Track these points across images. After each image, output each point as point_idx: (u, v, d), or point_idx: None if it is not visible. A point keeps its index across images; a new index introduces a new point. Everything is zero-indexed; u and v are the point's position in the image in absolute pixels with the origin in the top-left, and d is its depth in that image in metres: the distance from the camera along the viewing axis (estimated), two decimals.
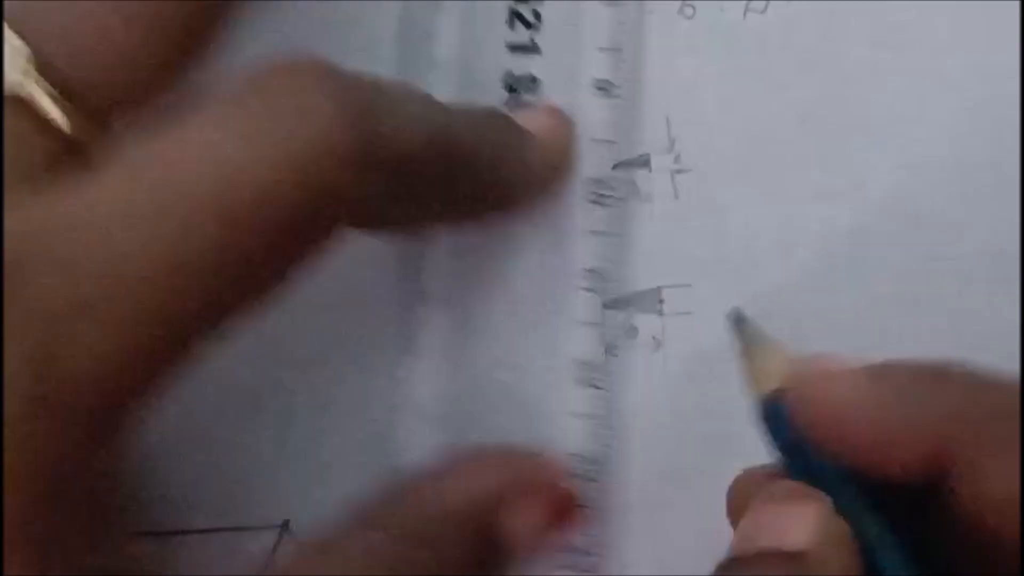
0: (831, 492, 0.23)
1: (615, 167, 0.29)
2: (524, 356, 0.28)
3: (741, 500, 0.25)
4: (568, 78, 0.28)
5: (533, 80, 0.28)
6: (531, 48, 0.28)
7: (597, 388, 0.28)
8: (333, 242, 0.23)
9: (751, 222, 0.29)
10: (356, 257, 0.27)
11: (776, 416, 0.24)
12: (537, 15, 0.28)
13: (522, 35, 0.28)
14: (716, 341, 0.28)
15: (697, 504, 0.27)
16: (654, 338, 0.29)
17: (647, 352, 0.29)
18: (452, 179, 0.24)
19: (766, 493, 0.24)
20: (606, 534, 0.28)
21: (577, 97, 0.28)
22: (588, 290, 0.28)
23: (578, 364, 0.28)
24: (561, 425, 0.28)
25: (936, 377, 0.23)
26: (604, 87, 0.28)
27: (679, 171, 0.29)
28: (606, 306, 0.29)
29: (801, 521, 0.23)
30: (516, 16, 0.28)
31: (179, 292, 0.21)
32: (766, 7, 0.29)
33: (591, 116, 0.28)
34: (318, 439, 0.29)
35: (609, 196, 0.28)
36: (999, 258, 0.29)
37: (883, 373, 0.23)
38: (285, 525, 0.28)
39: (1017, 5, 0.28)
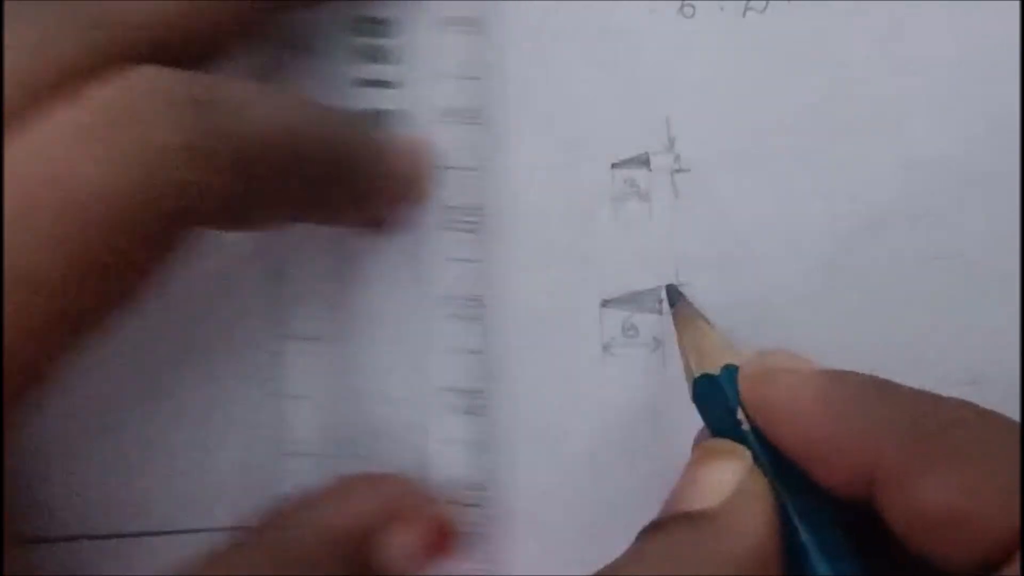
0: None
1: (615, 166, 0.29)
2: (399, 388, 0.28)
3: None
4: (425, 109, 0.28)
5: (388, 114, 0.28)
6: (385, 83, 0.28)
7: (476, 415, 0.28)
8: (187, 243, 0.23)
9: (751, 222, 0.29)
10: (221, 288, 0.28)
11: (708, 396, 0.25)
12: (389, 48, 0.28)
13: (375, 71, 0.28)
14: None
15: None
16: (654, 338, 0.29)
17: (647, 352, 0.29)
18: (304, 173, 0.24)
19: (693, 454, 0.25)
20: (497, 559, 0.28)
21: (435, 127, 0.28)
22: (457, 317, 0.28)
23: (455, 392, 0.28)
24: (441, 453, 0.28)
25: (880, 391, 0.23)
26: (464, 116, 0.28)
27: (679, 171, 0.29)
28: (605, 305, 0.29)
29: (716, 479, 0.23)
30: (368, 51, 0.28)
31: (31, 300, 0.21)
32: (766, 7, 0.29)
33: (454, 145, 0.28)
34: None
35: (473, 223, 0.28)
36: (999, 258, 0.29)
37: (836, 379, 0.24)
38: None
39: (1017, 5, 0.29)
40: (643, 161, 0.29)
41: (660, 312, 0.29)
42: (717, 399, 0.25)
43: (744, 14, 0.29)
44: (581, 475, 0.29)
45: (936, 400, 0.23)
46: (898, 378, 0.24)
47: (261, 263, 0.28)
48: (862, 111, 0.29)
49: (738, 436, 0.24)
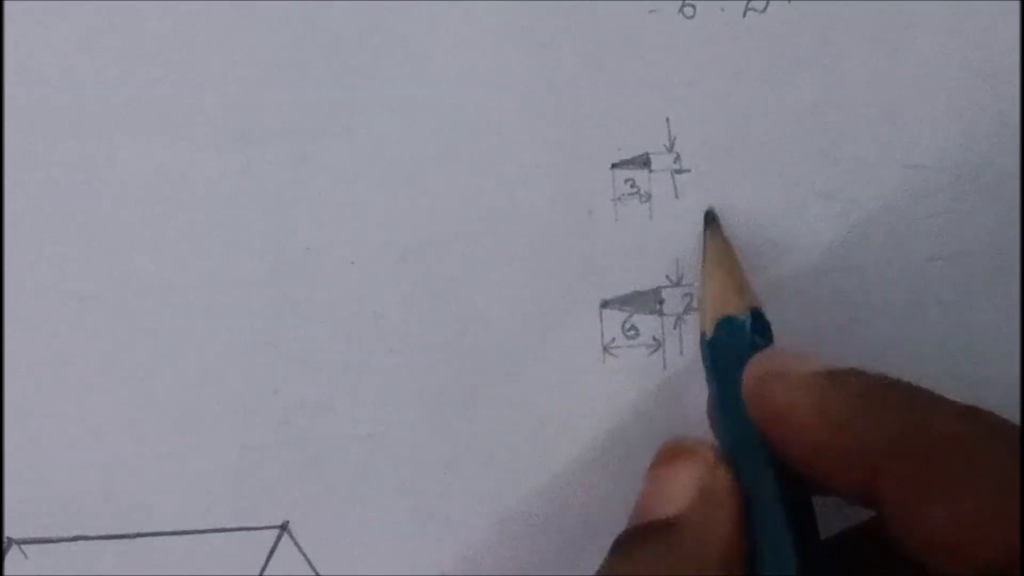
0: (743, 441, 0.24)
1: (615, 166, 0.29)
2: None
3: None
4: None
5: None
6: None
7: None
8: None
9: (751, 222, 0.29)
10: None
11: (711, 348, 0.25)
12: None
13: None
14: None
15: None
16: (654, 338, 0.29)
17: (647, 352, 0.29)
18: None
19: (656, 456, 0.25)
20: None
21: None
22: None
23: None
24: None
25: (880, 397, 0.22)
26: None
27: (679, 171, 0.29)
28: (605, 305, 0.29)
29: (680, 483, 0.23)
30: None
31: None
32: (766, 7, 0.29)
33: None
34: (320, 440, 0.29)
35: None
36: (999, 258, 0.29)
37: (835, 382, 0.23)
38: (285, 525, 0.28)
39: (1017, 5, 0.29)
40: (643, 161, 0.29)
41: (660, 312, 0.28)
42: (726, 347, 0.25)
43: (744, 14, 0.29)
44: (581, 475, 0.29)
45: (937, 408, 0.22)
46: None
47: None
48: (862, 111, 0.29)
49: (732, 398, 0.24)
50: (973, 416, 0.22)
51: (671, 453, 0.24)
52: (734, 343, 0.25)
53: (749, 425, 0.24)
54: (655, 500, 0.24)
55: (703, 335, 0.26)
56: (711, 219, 0.28)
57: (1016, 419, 0.22)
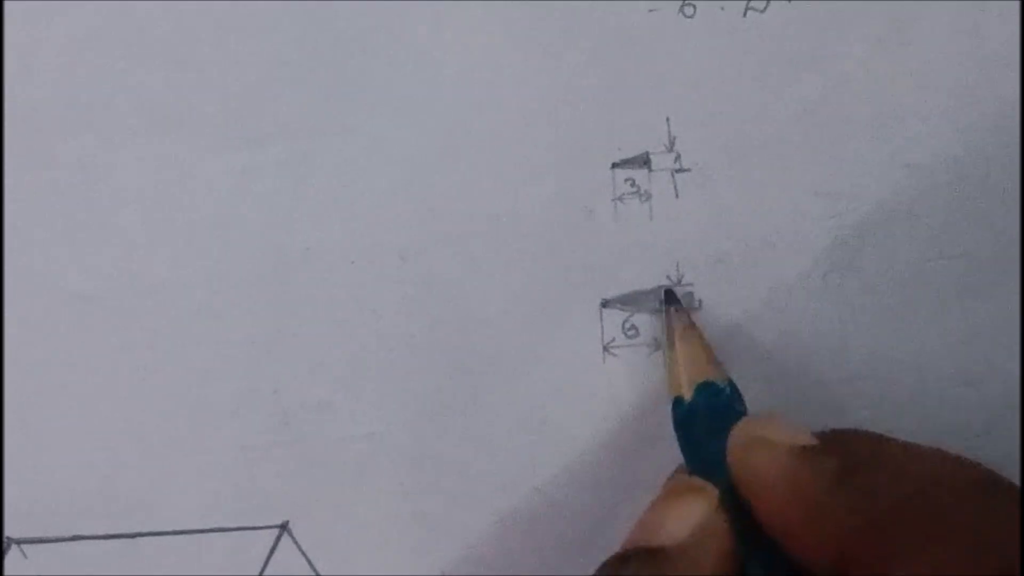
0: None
1: (615, 166, 0.29)
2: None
3: None
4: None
5: None
6: None
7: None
8: None
9: (751, 222, 0.29)
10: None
11: (680, 421, 0.26)
12: None
13: None
14: (716, 341, 0.28)
15: None
16: (654, 338, 0.29)
17: (647, 352, 0.29)
18: None
19: (663, 489, 0.25)
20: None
21: None
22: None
23: None
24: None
25: (851, 475, 0.22)
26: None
27: (679, 171, 0.29)
28: (605, 305, 0.29)
29: (680, 517, 0.24)
30: None
31: None
32: (766, 6, 0.29)
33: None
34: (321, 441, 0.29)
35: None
36: (999, 258, 0.29)
37: (810, 459, 0.23)
38: (285, 525, 0.29)
39: (1017, 5, 0.29)
40: (643, 161, 0.29)
41: (660, 312, 0.29)
42: (705, 412, 0.25)
43: (744, 14, 0.29)
44: (581, 474, 0.29)
45: (905, 477, 0.22)
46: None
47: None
48: (862, 111, 0.29)
49: (716, 463, 0.24)
50: (940, 478, 0.22)
51: (680, 488, 0.25)
52: (713, 408, 0.26)
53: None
54: (653, 528, 0.24)
55: (679, 400, 0.26)
56: (671, 297, 0.28)
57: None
